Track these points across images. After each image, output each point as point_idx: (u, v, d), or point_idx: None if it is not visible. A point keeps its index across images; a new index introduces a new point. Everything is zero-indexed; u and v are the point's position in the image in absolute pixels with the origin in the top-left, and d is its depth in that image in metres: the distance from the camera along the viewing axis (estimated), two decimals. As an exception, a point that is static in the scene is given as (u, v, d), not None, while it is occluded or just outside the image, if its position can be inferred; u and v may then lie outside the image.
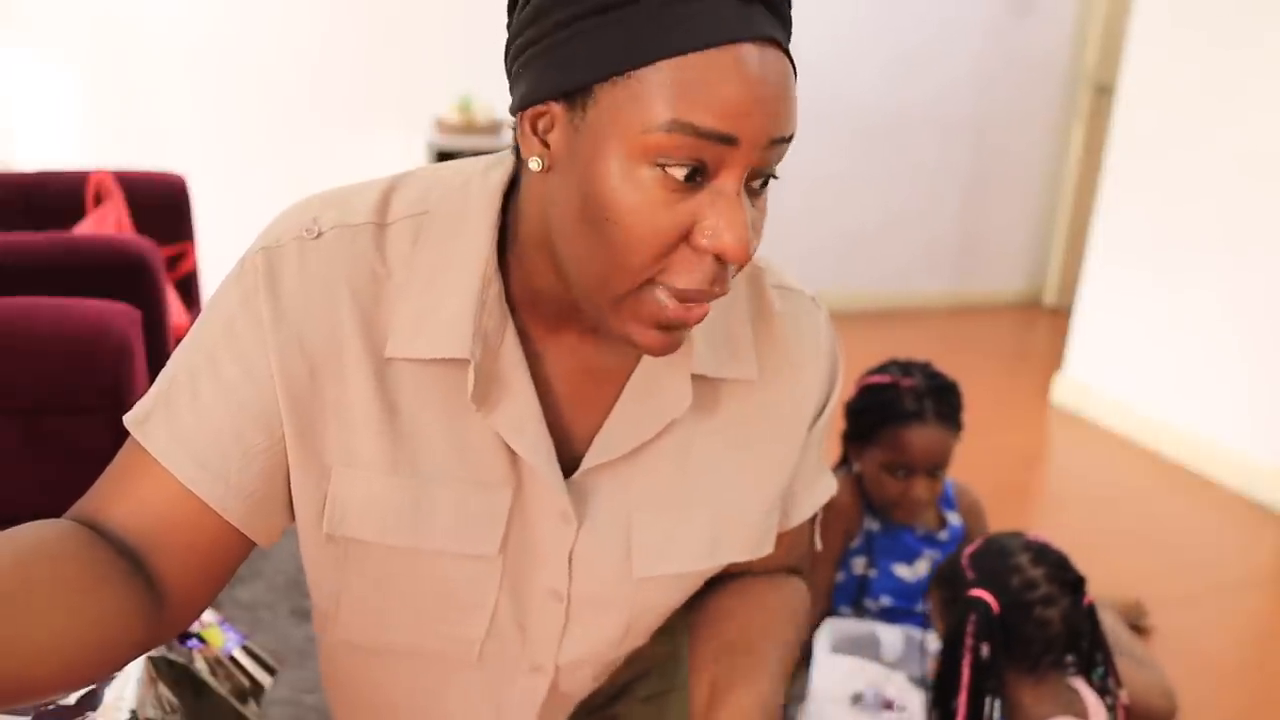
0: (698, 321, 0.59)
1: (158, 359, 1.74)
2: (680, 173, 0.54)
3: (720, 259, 0.56)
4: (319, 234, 0.65)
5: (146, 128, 3.17)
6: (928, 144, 4.22)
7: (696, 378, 0.70)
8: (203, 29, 3.14)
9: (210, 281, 2.76)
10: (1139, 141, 3.10)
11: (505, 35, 0.62)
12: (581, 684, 0.84)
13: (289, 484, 0.67)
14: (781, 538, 0.83)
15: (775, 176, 0.59)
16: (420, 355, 0.65)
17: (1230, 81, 2.80)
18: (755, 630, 0.78)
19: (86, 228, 2.17)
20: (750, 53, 0.54)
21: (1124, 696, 1.28)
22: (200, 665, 0.86)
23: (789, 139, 0.57)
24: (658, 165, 0.54)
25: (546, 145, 0.58)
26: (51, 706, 0.70)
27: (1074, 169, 4.29)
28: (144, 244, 1.77)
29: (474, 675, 0.79)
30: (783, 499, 0.80)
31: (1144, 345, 3.12)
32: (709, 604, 0.83)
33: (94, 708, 0.71)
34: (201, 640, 0.89)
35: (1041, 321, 4.40)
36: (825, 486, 0.85)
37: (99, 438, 1.40)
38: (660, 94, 0.53)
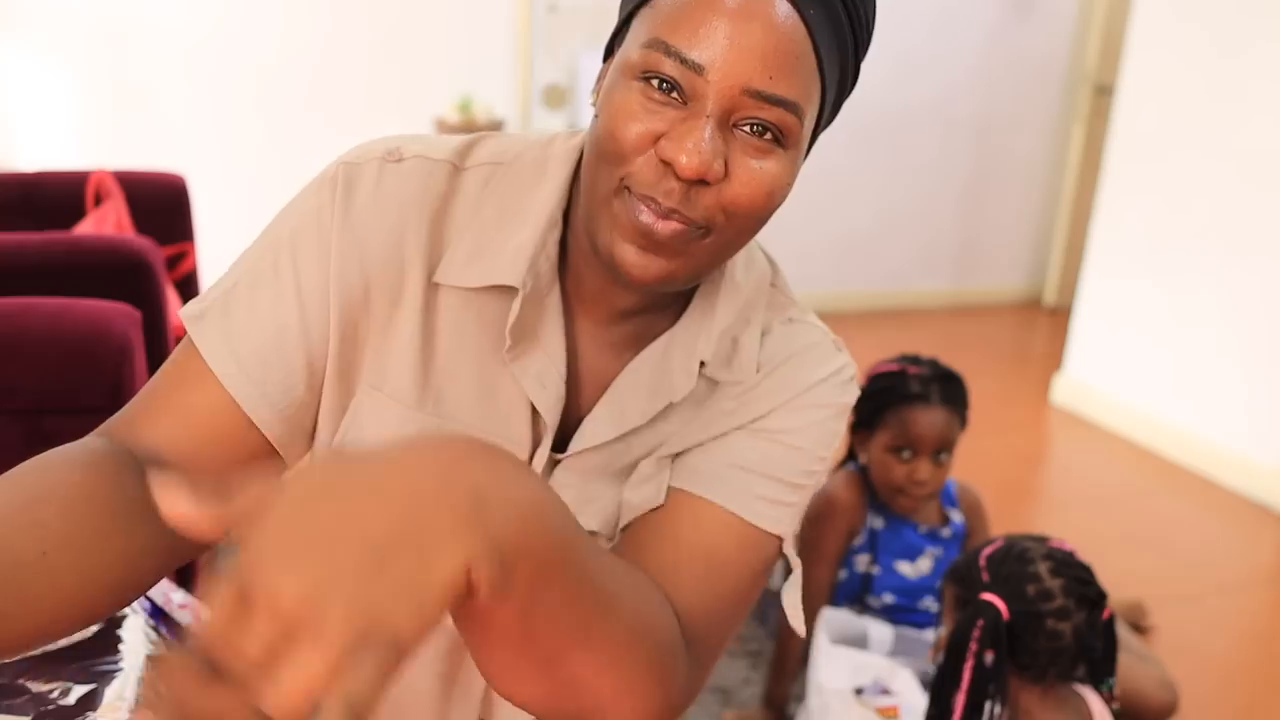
0: (666, 235, 0.59)
1: (158, 359, 1.74)
2: (657, 85, 0.58)
3: (678, 174, 0.58)
4: (400, 159, 0.68)
5: (146, 128, 3.17)
6: (928, 144, 4.22)
7: (701, 375, 0.70)
8: (203, 29, 3.14)
9: (210, 281, 2.76)
10: (1139, 142, 3.10)
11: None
12: None
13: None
14: (695, 555, 0.67)
15: (774, 141, 0.59)
16: (470, 284, 0.66)
17: (1230, 82, 2.80)
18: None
19: (86, 228, 2.16)
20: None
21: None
22: (200, 665, 0.86)
23: (779, 102, 0.58)
24: (642, 78, 0.58)
25: (614, 63, 0.63)
26: (51, 707, 0.70)
27: (1074, 169, 4.29)
28: (144, 244, 1.77)
29: (427, 646, 0.77)
30: (691, 459, 0.71)
31: (1144, 345, 3.12)
32: None
33: (94, 708, 0.71)
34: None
35: (1041, 321, 4.40)
36: (759, 501, 0.69)
37: (99, 438, 1.40)
38: (659, 16, 0.58)
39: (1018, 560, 1.22)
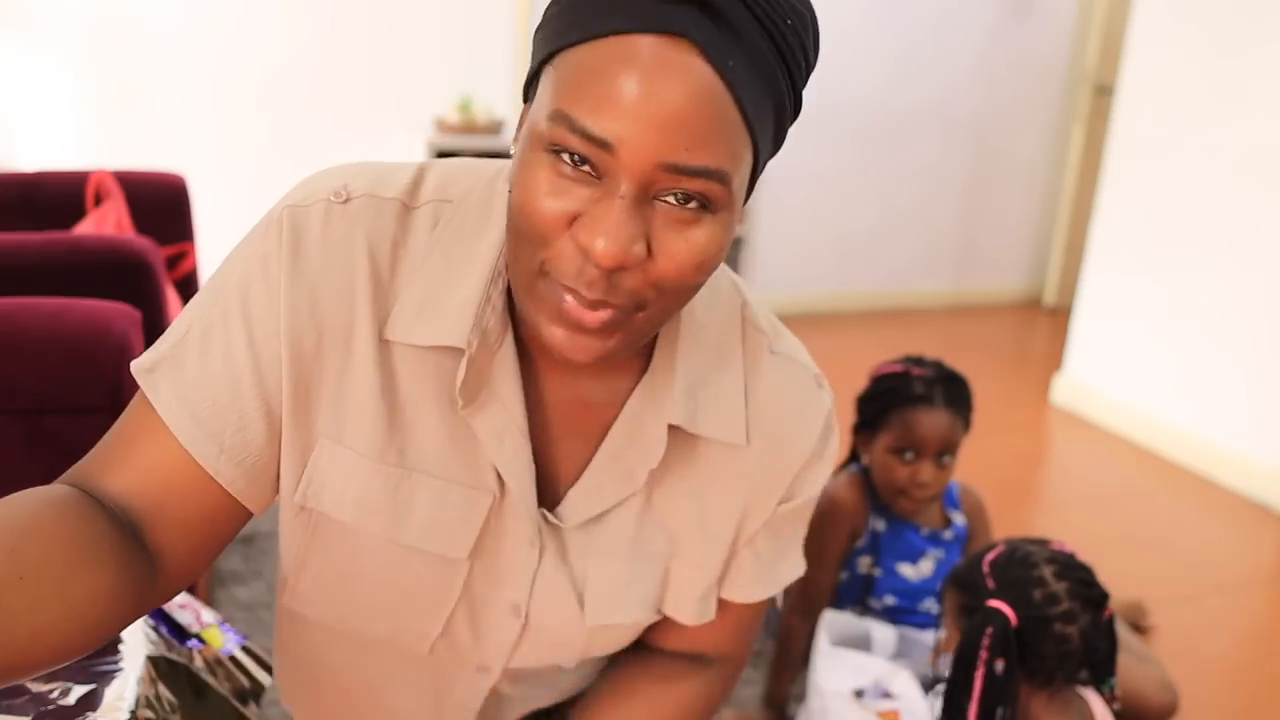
0: (595, 325, 0.56)
1: (158, 359, 1.74)
2: (571, 161, 0.53)
3: (596, 263, 0.53)
4: (347, 199, 0.64)
5: (146, 128, 3.17)
6: (928, 144, 4.22)
7: (674, 430, 0.69)
8: (203, 29, 3.14)
9: (210, 281, 2.76)
10: (1139, 142, 3.10)
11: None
12: (525, 694, 0.83)
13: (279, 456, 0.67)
14: (728, 612, 0.79)
15: (704, 207, 0.54)
16: (416, 343, 0.64)
17: (1230, 82, 2.80)
18: None
19: (86, 228, 2.16)
20: (650, 52, 0.50)
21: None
22: (200, 665, 0.86)
23: (700, 173, 0.52)
24: (551, 150, 0.54)
25: (530, 106, 0.60)
26: (51, 707, 0.70)
27: (1074, 169, 4.29)
28: (144, 244, 1.77)
29: (420, 667, 0.79)
30: (738, 571, 0.77)
31: (1144, 345, 3.12)
32: (600, 693, 0.82)
33: (94, 708, 0.71)
34: (201, 640, 0.89)
35: (1041, 321, 4.40)
36: (789, 568, 0.80)
37: (99, 438, 1.40)
38: (563, 81, 0.53)
39: (1022, 565, 1.21)
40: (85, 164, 2.90)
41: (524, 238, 0.56)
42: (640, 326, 0.59)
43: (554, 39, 0.54)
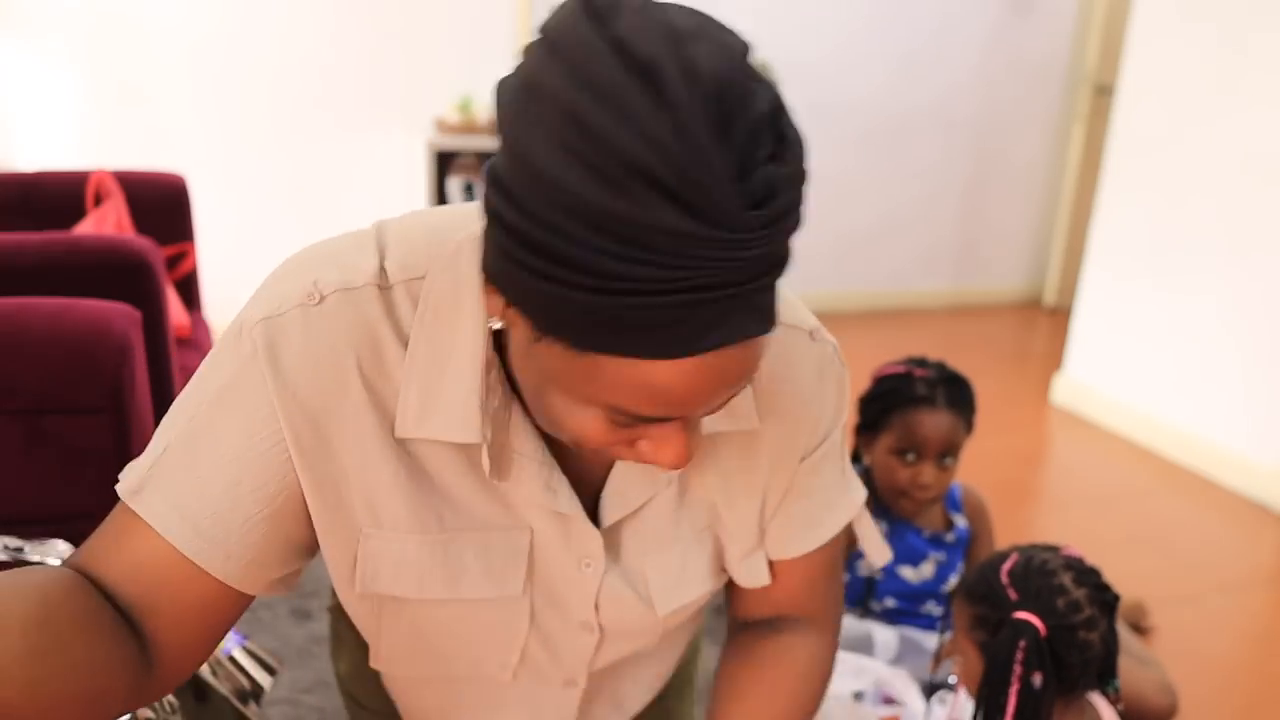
0: (681, 466, 0.59)
1: (158, 359, 1.74)
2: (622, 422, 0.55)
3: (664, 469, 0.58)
4: (320, 299, 0.62)
5: (146, 128, 3.17)
6: (928, 144, 4.22)
7: None
8: (203, 29, 3.14)
9: (210, 281, 2.76)
10: (1139, 141, 3.10)
11: (505, 36, 0.61)
12: (613, 685, 0.87)
13: (287, 541, 0.66)
14: (794, 569, 0.81)
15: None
16: (431, 436, 0.65)
17: (1230, 82, 2.80)
18: None
19: (86, 228, 2.16)
20: (711, 359, 0.50)
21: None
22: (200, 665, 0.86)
23: (738, 390, 0.55)
24: (601, 409, 0.54)
25: (506, 314, 0.55)
26: None
27: (1074, 169, 4.29)
28: (144, 244, 1.77)
29: (510, 690, 0.82)
30: (783, 528, 0.79)
31: (1144, 345, 3.12)
32: (722, 694, 0.82)
33: (94, 708, 0.71)
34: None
35: (1041, 321, 4.40)
36: (844, 504, 0.81)
37: (99, 438, 1.40)
38: (607, 379, 0.51)
39: (1041, 573, 1.18)
40: (85, 164, 2.90)
41: (583, 447, 0.59)
42: None
43: (582, 331, 0.48)
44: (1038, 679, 1.12)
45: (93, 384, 1.38)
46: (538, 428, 0.67)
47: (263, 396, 0.61)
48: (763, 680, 0.81)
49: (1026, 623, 1.14)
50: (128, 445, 1.42)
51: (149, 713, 0.75)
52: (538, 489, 0.68)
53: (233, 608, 0.66)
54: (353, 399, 0.63)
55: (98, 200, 2.24)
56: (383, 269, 0.64)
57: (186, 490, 0.62)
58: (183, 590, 0.62)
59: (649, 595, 0.75)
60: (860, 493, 0.83)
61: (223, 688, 0.87)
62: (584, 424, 0.55)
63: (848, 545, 1.67)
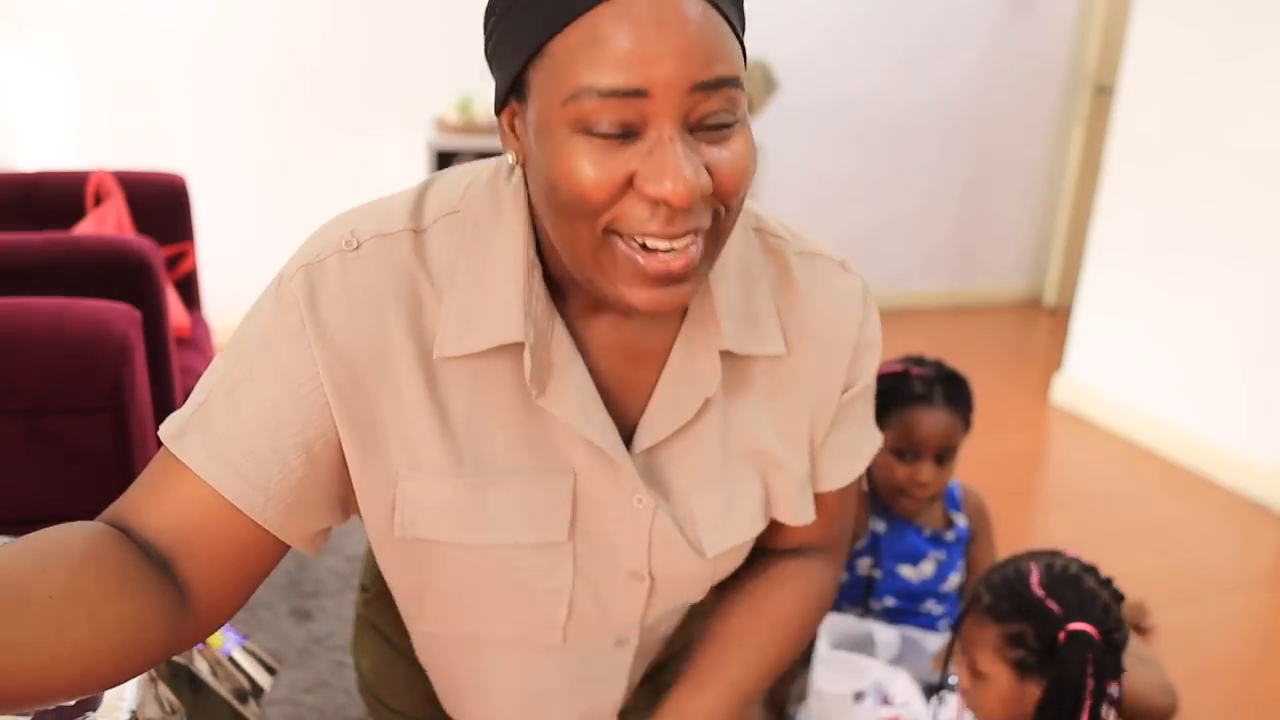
0: (685, 270, 0.58)
1: (158, 359, 1.74)
2: (606, 133, 0.55)
3: (673, 205, 0.56)
4: (358, 246, 0.65)
5: (146, 128, 3.17)
6: (928, 145, 4.22)
7: (724, 355, 0.71)
8: (203, 29, 3.14)
9: (210, 281, 2.76)
10: (1139, 142, 3.10)
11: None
12: (661, 636, 0.88)
13: (327, 491, 0.68)
14: (821, 504, 0.83)
15: (730, 123, 0.58)
16: (471, 350, 0.65)
17: (1230, 82, 2.80)
18: (742, 639, 0.83)
19: (86, 228, 2.16)
20: (636, 2, 0.53)
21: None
22: (200, 665, 0.86)
23: (722, 83, 0.56)
24: (584, 132, 0.55)
25: (519, 140, 0.62)
26: (51, 706, 0.70)
27: (1074, 169, 4.29)
28: (144, 244, 1.77)
29: (561, 655, 0.81)
30: (821, 465, 0.81)
31: (1144, 345, 3.12)
32: (721, 600, 0.86)
33: (94, 708, 0.71)
34: (201, 641, 0.89)
35: (1041, 321, 4.40)
36: (867, 446, 0.84)
37: (99, 438, 1.40)
38: (567, 64, 0.55)
39: (1074, 582, 1.16)
40: (85, 164, 2.90)
41: (579, 215, 0.57)
42: (712, 251, 0.62)
43: (536, 33, 0.56)
44: (1115, 689, 1.10)
45: (93, 384, 1.38)
46: (578, 350, 0.69)
47: (301, 343, 0.63)
48: (759, 589, 0.84)
49: (1085, 633, 1.10)
50: (128, 445, 1.42)
51: (151, 712, 0.75)
52: (573, 409, 0.67)
53: (269, 555, 0.67)
54: (390, 340, 0.65)
55: (98, 200, 2.24)
56: (419, 211, 0.67)
57: (227, 435, 0.63)
58: (222, 534, 0.63)
59: (697, 536, 0.75)
60: (877, 436, 0.86)
61: (222, 688, 0.87)
62: (575, 161, 0.56)
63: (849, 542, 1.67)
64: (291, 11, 3.22)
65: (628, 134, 0.55)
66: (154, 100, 3.16)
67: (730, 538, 0.76)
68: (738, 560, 0.81)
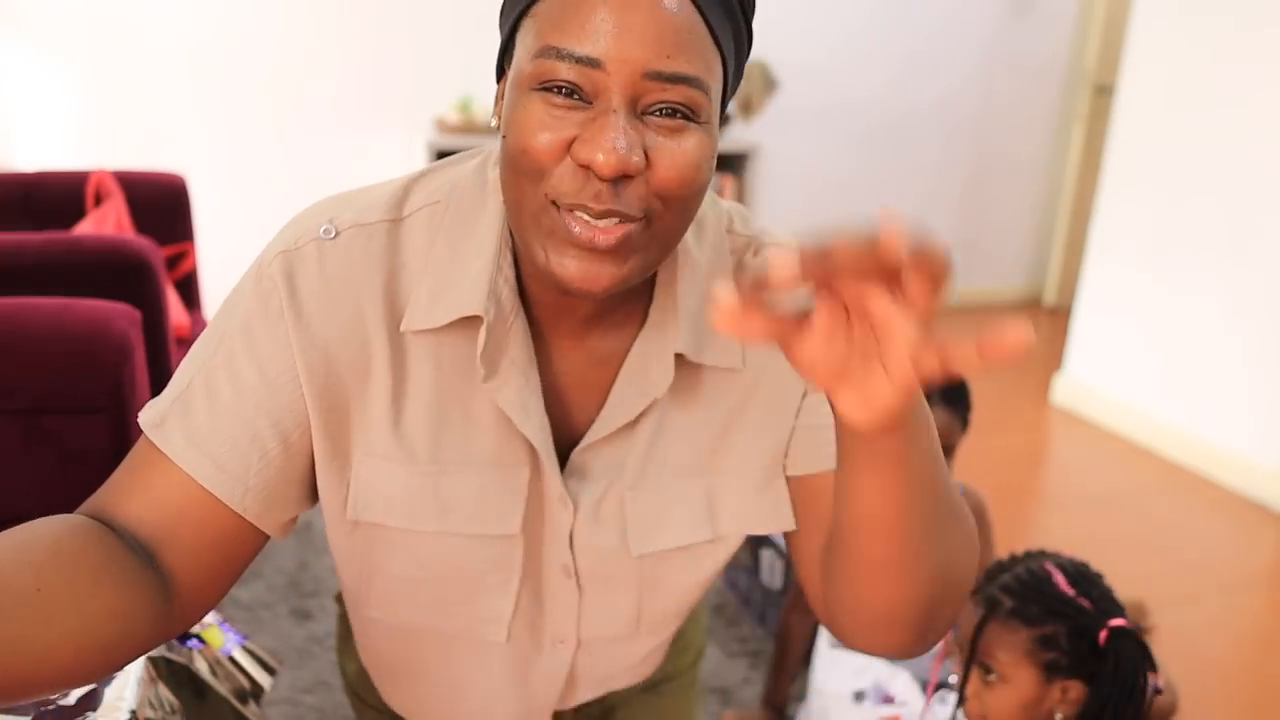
0: (609, 244, 0.58)
1: (158, 359, 1.74)
2: (559, 94, 0.57)
3: (599, 174, 0.56)
4: (335, 234, 0.66)
5: (146, 128, 3.17)
6: (928, 144, 4.22)
7: (679, 359, 0.70)
8: (203, 29, 3.14)
9: (210, 281, 2.76)
10: (1139, 141, 3.10)
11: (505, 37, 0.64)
12: (610, 664, 0.85)
13: (303, 477, 0.68)
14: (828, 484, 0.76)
15: (687, 118, 0.58)
16: (436, 323, 0.66)
17: (1230, 82, 2.80)
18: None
19: (86, 228, 2.16)
20: None
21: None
22: (200, 665, 0.86)
23: (681, 79, 0.56)
24: (541, 87, 0.57)
25: (500, 105, 0.63)
26: (51, 707, 0.70)
27: (1074, 169, 4.29)
28: (144, 244, 1.77)
29: (503, 652, 0.80)
30: (806, 448, 0.75)
31: (1144, 345, 3.12)
32: None
33: (94, 708, 0.71)
34: (201, 640, 0.89)
35: (1041, 321, 4.40)
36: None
37: (99, 438, 1.40)
38: (542, 24, 0.57)
39: (1095, 581, 1.16)
40: (85, 164, 2.90)
41: (524, 175, 0.59)
42: (649, 251, 0.61)
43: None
44: (1158, 680, 1.09)
45: (93, 384, 1.38)
46: (541, 345, 0.69)
47: (280, 332, 0.64)
48: None
49: (1127, 629, 1.09)
50: (128, 445, 1.42)
51: (150, 713, 0.75)
52: (515, 402, 0.67)
53: (250, 544, 0.67)
54: (364, 328, 0.65)
55: (98, 200, 2.24)
56: (400, 202, 0.68)
57: (206, 424, 0.64)
58: (202, 523, 0.64)
59: (623, 533, 0.73)
60: None
61: (222, 688, 0.87)
62: (528, 118, 0.57)
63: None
64: (292, 12, 3.22)
65: (579, 99, 0.57)
66: (154, 100, 3.16)
67: (663, 540, 0.74)
68: (677, 573, 0.77)
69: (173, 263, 2.34)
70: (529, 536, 0.73)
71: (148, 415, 0.65)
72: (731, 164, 3.71)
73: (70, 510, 0.65)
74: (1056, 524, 2.59)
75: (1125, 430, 3.14)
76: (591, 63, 0.55)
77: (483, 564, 0.73)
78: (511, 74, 0.60)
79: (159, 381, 1.71)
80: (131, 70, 3.11)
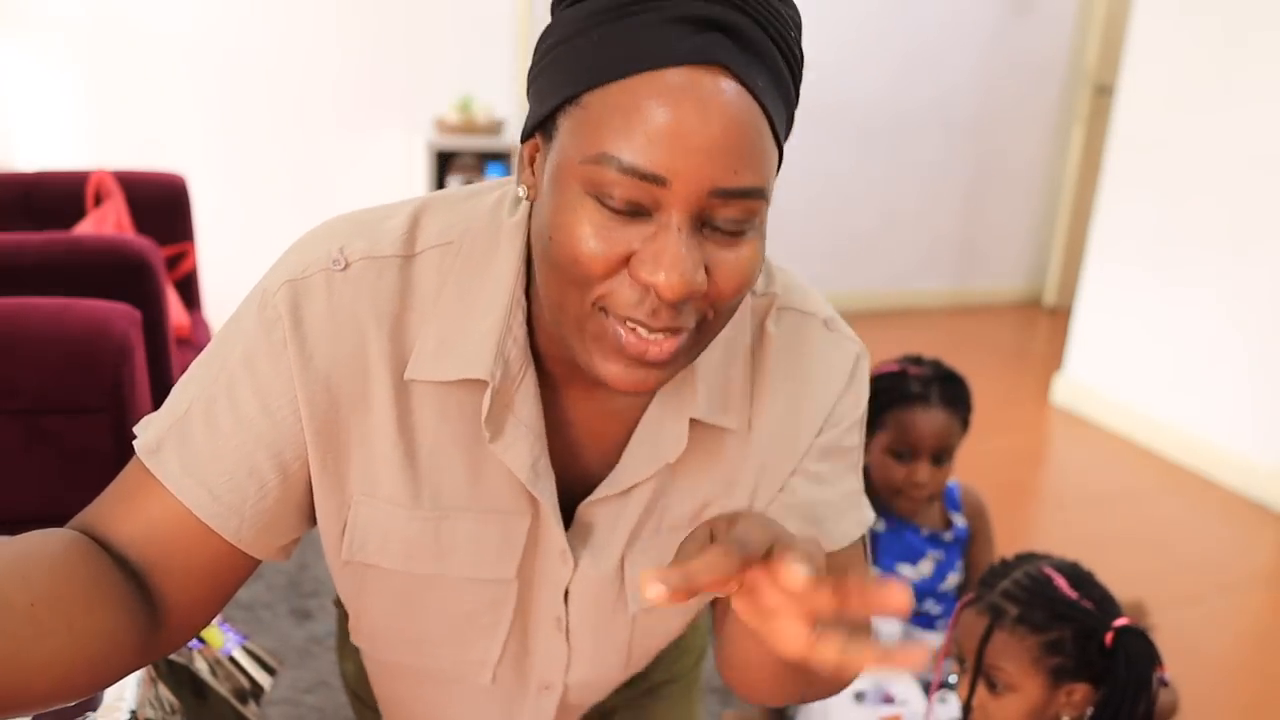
0: (661, 358, 0.56)
1: (158, 359, 1.74)
2: (616, 207, 0.53)
3: (660, 296, 0.54)
4: (345, 265, 0.63)
5: (146, 128, 3.17)
6: (929, 144, 4.22)
7: (694, 423, 0.69)
8: (203, 29, 3.14)
9: (210, 281, 2.76)
10: (1139, 141, 3.10)
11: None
12: (592, 697, 0.85)
13: (299, 507, 0.68)
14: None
15: (745, 230, 0.55)
16: (440, 378, 0.64)
17: (1230, 81, 2.80)
18: None
19: (86, 228, 2.16)
20: (686, 82, 0.51)
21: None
22: (200, 665, 0.86)
23: (747, 194, 0.53)
24: (595, 197, 0.53)
25: (535, 176, 0.59)
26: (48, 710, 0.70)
27: (1074, 169, 4.29)
28: (144, 244, 1.77)
29: (488, 695, 0.80)
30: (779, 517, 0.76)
31: (1144, 345, 3.12)
32: None
33: (94, 708, 0.71)
34: (201, 640, 0.89)
35: (1041, 321, 4.40)
36: (854, 521, 0.76)
37: (99, 438, 1.40)
38: (596, 122, 0.52)
39: (1093, 581, 1.16)
40: (85, 164, 2.90)
41: (573, 281, 0.56)
42: (695, 347, 0.59)
43: (575, 80, 0.54)
44: (1164, 674, 1.09)
45: (93, 384, 1.38)
46: (545, 401, 0.67)
47: (283, 364, 0.62)
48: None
49: (1134, 627, 1.10)
50: (128, 445, 1.41)
51: (150, 713, 0.75)
52: (523, 462, 0.66)
53: (242, 569, 0.66)
54: (368, 364, 0.64)
55: (98, 200, 2.24)
56: (412, 237, 0.65)
57: (203, 454, 0.62)
58: (195, 551, 0.63)
59: (623, 591, 0.73)
60: (863, 517, 0.77)
61: (222, 688, 0.87)
62: (579, 224, 0.54)
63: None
64: (292, 12, 3.22)
65: (637, 212, 0.53)
66: (154, 100, 3.16)
67: None
68: (662, 626, 0.78)
69: (173, 263, 2.34)
70: (523, 582, 0.73)
71: (144, 439, 0.64)
72: (731, 164, 3.71)
73: (70, 513, 0.65)
74: (1056, 524, 2.59)
75: (1125, 430, 3.14)
76: (656, 179, 0.51)
77: (474, 607, 0.73)
78: (556, 161, 0.55)
79: (159, 381, 1.71)
80: (131, 70, 3.10)
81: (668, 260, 0.52)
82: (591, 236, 0.54)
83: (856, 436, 0.76)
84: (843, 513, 0.75)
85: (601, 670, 0.80)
